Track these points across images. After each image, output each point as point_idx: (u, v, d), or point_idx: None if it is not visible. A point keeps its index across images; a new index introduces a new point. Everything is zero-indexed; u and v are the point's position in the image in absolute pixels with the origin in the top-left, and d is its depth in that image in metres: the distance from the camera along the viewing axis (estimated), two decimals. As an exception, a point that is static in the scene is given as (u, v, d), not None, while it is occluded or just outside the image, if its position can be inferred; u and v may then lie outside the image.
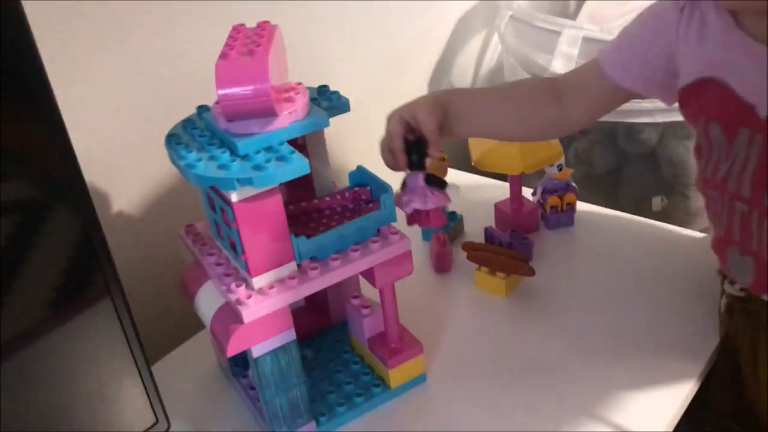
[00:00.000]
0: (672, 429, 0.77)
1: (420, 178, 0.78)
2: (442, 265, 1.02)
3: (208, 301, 0.75)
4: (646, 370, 0.81)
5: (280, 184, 0.68)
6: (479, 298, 0.97)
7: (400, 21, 1.27)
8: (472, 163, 1.04)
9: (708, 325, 0.85)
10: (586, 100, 0.82)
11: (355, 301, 0.83)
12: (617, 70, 0.78)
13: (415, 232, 1.06)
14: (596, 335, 0.87)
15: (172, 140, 0.73)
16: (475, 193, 1.18)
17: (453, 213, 1.10)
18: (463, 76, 1.46)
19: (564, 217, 1.08)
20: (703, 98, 0.72)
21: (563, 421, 0.77)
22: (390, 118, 0.79)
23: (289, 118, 0.69)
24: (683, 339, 0.85)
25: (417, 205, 0.78)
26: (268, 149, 0.67)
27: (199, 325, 0.92)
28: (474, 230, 1.08)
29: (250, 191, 0.66)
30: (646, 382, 0.80)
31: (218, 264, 0.75)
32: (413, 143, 0.77)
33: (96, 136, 0.90)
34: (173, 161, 0.71)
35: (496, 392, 0.81)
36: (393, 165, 0.79)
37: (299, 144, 0.77)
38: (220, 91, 0.64)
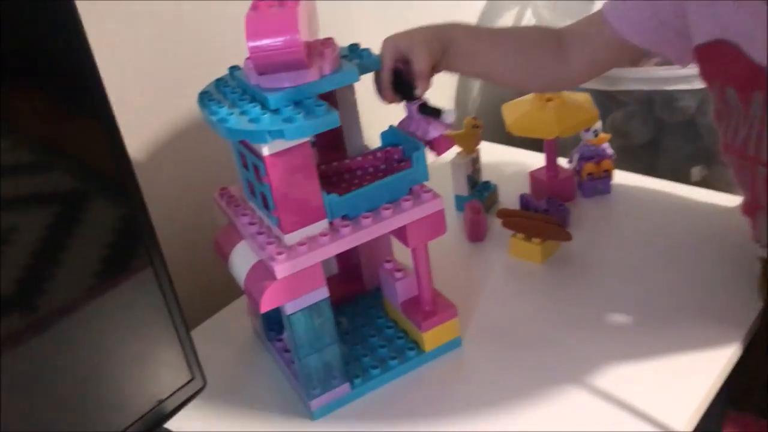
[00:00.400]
0: (713, 396, 0.74)
1: (413, 109, 0.77)
2: (476, 233, 1.00)
3: (241, 260, 0.74)
4: (685, 338, 0.78)
5: (313, 144, 0.67)
6: (514, 266, 0.95)
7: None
8: (506, 128, 1.01)
9: (749, 292, 0.81)
10: (590, 53, 0.79)
11: (388, 265, 0.82)
12: (624, 24, 0.75)
13: (449, 203, 1.06)
14: (634, 303, 0.85)
15: (205, 97, 0.72)
16: (509, 163, 1.15)
17: (487, 183, 1.08)
18: None
19: (601, 184, 1.04)
20: (716, 61, 0.69)
21: (600, 389, 0.74)
22: (385, 47, 0.76)
23: (320, 72, 0.67)
24: (723, 306, 0.81)
25: (415, 131, 0.77)
26: (299, 103, 0.66)
27: (235, 293, 0.92)
28: (509, 200, 1.06)
29: (281, 144, 0.65)
30: (686, 348, 0.77)
31: (251, 224, 0.74)
32: (402, 77, 0.76)
33: (132, 107, 0.89)
34: (206, 118, 0.70)
35: (531, 359, 0.79)
36: (381, 96, 0.78)
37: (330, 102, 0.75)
38: (251, 43, 0.63)
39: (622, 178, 1.07)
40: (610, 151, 1.05)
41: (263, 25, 0.63)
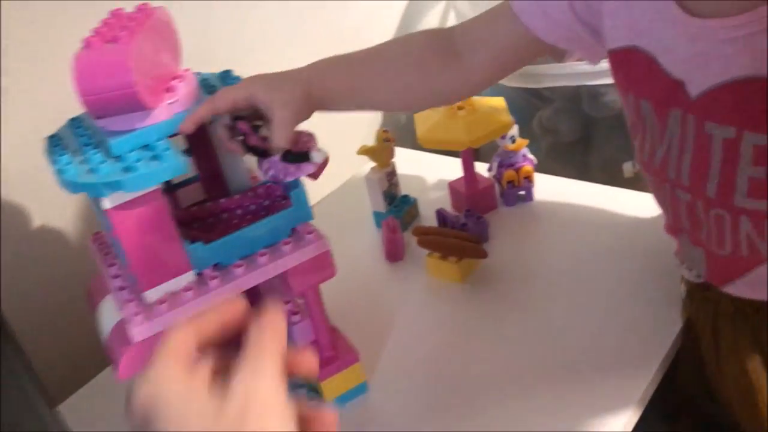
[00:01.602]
0: (641, 409, 0.66)
1: (275, 159, 0.63)
2: (393, 253, 0.91)
3: (106, 316, 0.64)
4: (609, 355, 0.71)
5: (175, 187, 0.58)
6: (434, 286, 0.86)
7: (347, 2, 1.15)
8: (418, 141, 0.93)
9: (673, 307, 0.73)
10: (494, 53, 0.67)
11: (286, 307, 0.72)
12: (537, 20, 0.63)
13: (368, 220, 0.98)
14: (558, 320, 0.77)
15: (51, 143, 0.62)
16: (429, 172, 1.07)
17: (406, 196, 0.99)
18: None
19: (522, 192, 0.96)
20: (631, 71, 0.60)
21: (528, 417, 0.66)
22: (221, 99, 0.61)
23: (170, 110, 0.58)
24: (647, 321, 0.73)
25: (275, 174, 0.63)
26: (145, 147, 0.57)
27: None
28: (430, 212, 0.96)
29: (125, 196, 0.56)
30: (610, 366, 0.69)
31: (116, 276, 0.64)
32: (248, 138, 0.62)
33: None
34: (50, 164, 0.60)
35: (446, 397, 0.70)
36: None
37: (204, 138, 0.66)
38: (78, 86, 0.54)
39: (545, 183, 0.98)
40: (530, 156, 0.96)
41: (93, 64, 0.54)
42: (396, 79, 0.68)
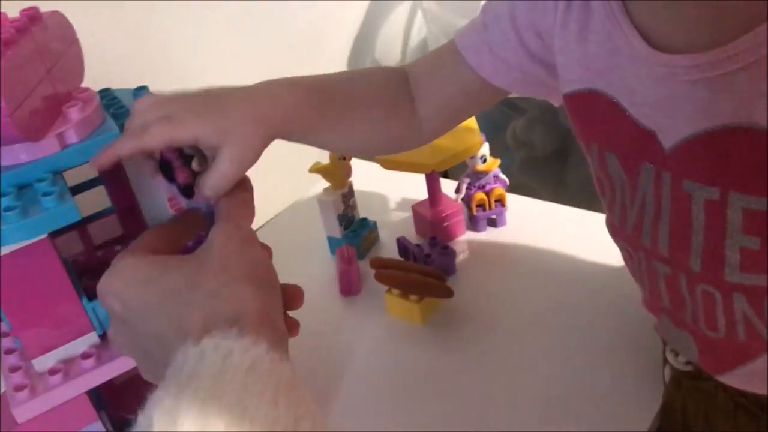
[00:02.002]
0: None
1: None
2: (348, 286, 0.81)
3: (-6, 384, 0.53)
4: (579, 416, 0.61)
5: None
6: (392, 326, 0.76)
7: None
8: (379, 162, 0.83)
9: (652, 363, 0.63)
10: (444, 100, 0.59)
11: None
12: (485, 62, 0.55)
13: (322, 246, 0.88)
14: (527, 371, 0.67)
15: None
16: (391, 192, 0.97)
17: (364, 219, 0.89)
18: (389, 53, 1.24)
19: (494, 216, 0.87)
20: (591, 117, 0.50)
21: None
22: (149, 138, 0.46)
23: (61, 141, 0.46)
24: (628, 383, 0.63)
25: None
26: (26, 188, 0.45)
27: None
28: (391, 239, 0.86)
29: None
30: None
31: (6, 335, 0.53)
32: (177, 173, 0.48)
33: None
34: None
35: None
36: None
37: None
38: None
39: (519, 206, 0.89)
40: (502, 177, 0.87)
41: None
42: (354, 126, 0.57)
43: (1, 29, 0.45)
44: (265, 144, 0.49)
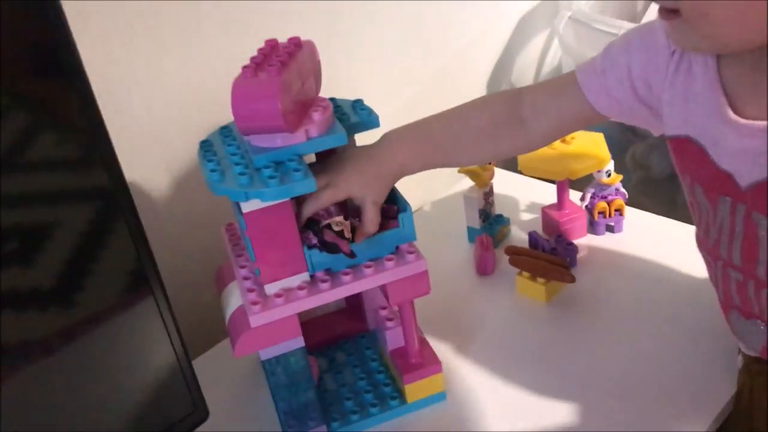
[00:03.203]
0: None
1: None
2: (484, 267, 0.95)
3: (229, 299, 0.71)
4: (664, 393, 0.72)
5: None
6: (519, 303, 0.89)
7: (456, 22, 1.17)
8: (518, 168, 0.96)
9: (730, 367, 0.74)
10: (557, 122, 0.70)
11: (383, 312, 0.77)
12: (601, 98, 0.66)
13: (462, 234, 1.01)
14: (626, 354, 0.78)
15: (203, 147, 0.69)
16: (523, 195, 1.09)
17: (500, 216, 1.02)
18: (523, 77, 1.34)
19: (612, 223, 0.98)
20: (685, 157, 0.61)
21: None
22: (322, 200, 0.66)
23: (306, 134, 0.63)
24: (706, 375, 0.74)
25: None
26: (281, 164, 0.63)
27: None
28: (521, 233, 1.00)
29: (260, 204, 0.62)
30: (664, 406, 0.71)
31: (242, 266, 0.71)
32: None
33: (140, 141, 0.85)
34: (200, 166, 0.67)
35: (521, 411, 0.74)
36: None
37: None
38: (233, 109, 0.60)
39: (634, 217, 0.99)
40: (622, 190, 0.98)
41: (246, 92, 0.60)
42: (473, 150, 0.74)
43: (278, 53, 0.63)
44: (392, 185, 0.69)
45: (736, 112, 0.56)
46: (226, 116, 0.65)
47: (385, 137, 0.72)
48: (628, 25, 1.09)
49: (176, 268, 0.85)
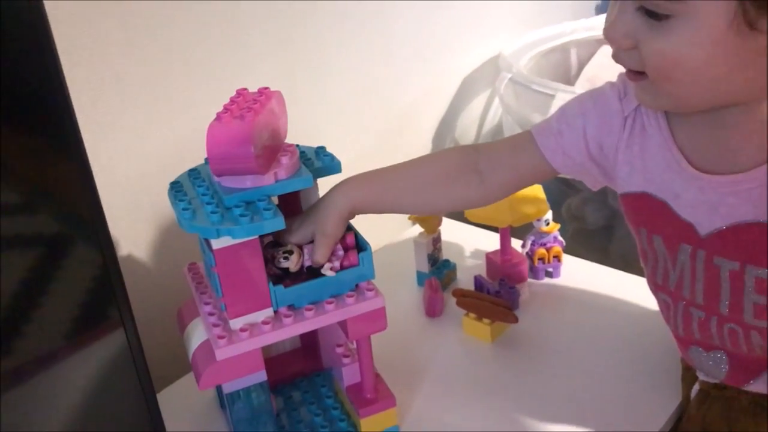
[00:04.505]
0: None
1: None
2: (433, 309, 0.98)
3: (193, 335, 0.73)
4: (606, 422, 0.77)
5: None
6: (466, 342, 0.93)
7: (406, 80, 1.24)
8: (464, 216, 1.01)
9: (671, 392, 0.79)
10: (513, 176, 0.74)
11: (339, 350, 0.79)
12: (557, 156, 0.70)
13: (411, 277, 1.05)
14: (567, 387, 0.83)
15: (174, 187, 0.71)
16: (469, 242, 1.14)
17: (447, 261, 1.06)
18: (466, 133, 1.41)
19: (551, 269, 1.03)
20: (643, 211, 0.66)
21: None
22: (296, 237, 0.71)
23: (275, 177, 0.66)
24: (645, 404, 0.79)
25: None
26: (251, 204, 0.65)
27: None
28: (466, 277, 1.04)
29: (229, 241, 0.64)
30: None
31: (207, 303, 0.73)
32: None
33: (117, 179, 0.88)
34: (172, 206, 0.69)
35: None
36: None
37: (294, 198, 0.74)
38: (209, 152, 0.63)
39: (571, 264, 1.05)
40: (560, 239, 1.04)
41: (221, 136, 0.63)
42: (426, 196, 0.76)
43: (250, 101, 0.66)
44: (345, 220, 0.72)
45: (692, 166, 0.60)
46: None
47: (344, 180, 0.75)
48: (564, 87, 1.17)
49: (145, 300, 0.86)
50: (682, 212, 0.62)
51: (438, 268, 1.05)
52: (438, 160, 0.78)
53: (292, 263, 0.69)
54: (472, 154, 0.75)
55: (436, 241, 1.05)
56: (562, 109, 0.71)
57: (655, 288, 0.70)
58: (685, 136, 0.62)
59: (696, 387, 0.75)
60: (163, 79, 0.89)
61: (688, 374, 0.76)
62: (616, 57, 0.58)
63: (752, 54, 0.52)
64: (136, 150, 0.89)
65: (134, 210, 0.91)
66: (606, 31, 0.57)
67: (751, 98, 0.56)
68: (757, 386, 0.68)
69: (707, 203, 0.60)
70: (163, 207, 0.92)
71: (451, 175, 0.75)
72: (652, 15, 0.53)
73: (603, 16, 0.59)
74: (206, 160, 0.74)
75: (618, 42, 0.57)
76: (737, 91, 0.55)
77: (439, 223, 1.04)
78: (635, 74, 0.58)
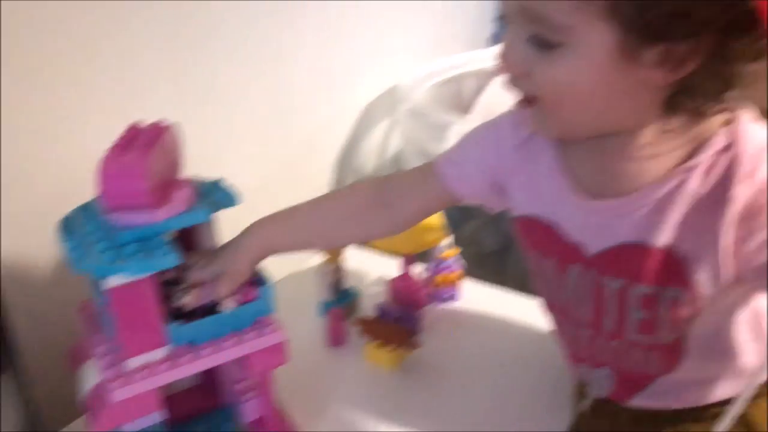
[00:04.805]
0: None
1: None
2: (336, 338, 0.99)
3: (88, 376, 0.70)
4: None
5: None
6: (370, 371, 0.93)
7: (307, 110, 1.24)
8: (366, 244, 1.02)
9: (564, 407, 0.82)
10: (421, 206, 0.77)
11: (239, 386, 0.78)
12: (459, 185, 0.73)
13: (314, 307, 1.04)
14: (468, 407, 0.85)
15: (64, 225, 0.69)
16: (372, 269, 1.15)
17: (350, 289, 1.06)
18: (367, 162, 1.43)
19: (451, 293, 1.06)
20: (534, 234, 0.69)
21: None
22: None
23: (169, 212, 0.65)
24: (541, 425, 0.82)
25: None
26: (144, 240, 0.64)
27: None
28: (370, 305, 1.05)
29: (122, 279, 0.62)
30: None
31: (100, 343, 0.70)
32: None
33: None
34: (61, 244, 0.67)
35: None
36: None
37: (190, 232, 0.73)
38: (101, 186, 0.61)
39: (470, 287, 1.09)
40: (458, 263, 1.07)
41: (114, 171, 0.61)
42: (338, 233, 0.79)
43: (143, 135, 0.65)
44: (256, 263, 0.73)
45: (578, 191, 0.64)
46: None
47: (253, 223, 0.76)
48: (458, 118, 1.21)
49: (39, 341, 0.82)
50: (570, 234, 0.65)
51: (342, 297, 1.05)
52: (348, 197, 0.80)
53: (189, 301, 0.68)
54: (380, 187, 0.78)
55: (339, 269, 1.05)
56: (461, 140, 0.75)
57: (547, 308, 0.73)
58: (573, 163, 0.65)
59: (585, 403, 0.78)
60: (52, 110, 0.86)
61: (579, 391, 0.80)
62: (511, 84, 0.61)
63: (634, 84, 0.55)
64: (20, 187, 0.85)
65: (24, 248, 0.86)
66: (501, 58, 0.59)
67: (634, 126, 0.59)
68: (640, 401, 0.71)
69: (593, 226, 0.63)
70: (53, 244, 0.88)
71: (361, 211, 0.77)
72: (542, 44, 0.55)
73: (496, 48, 0.60)
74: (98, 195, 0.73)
75: (511, 69, 0.59)
76: (622, 119, 0.59)
77: (342, 251, 1.05)
78: (528, 102, 0.60)
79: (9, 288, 0.57)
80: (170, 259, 0.62)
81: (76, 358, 0.74)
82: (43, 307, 0.88)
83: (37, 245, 0.87)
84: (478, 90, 1.46)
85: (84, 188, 0.72)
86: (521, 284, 1.12)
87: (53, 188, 0.86)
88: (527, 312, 1.00)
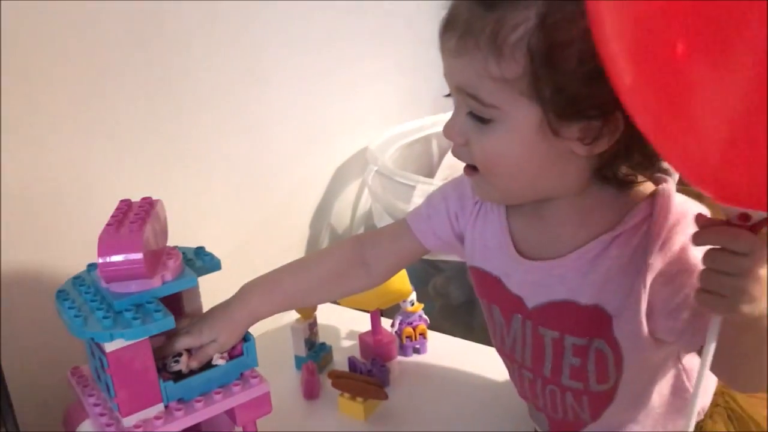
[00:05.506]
0: None
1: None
2: (310, 391, 1.04)
3: (85, 437, 0.75)
4: None
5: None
6: (342, 421, 0.99)
7: (281, 173, 1.32)
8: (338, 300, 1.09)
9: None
10: (396, 261, 0.84)
11: (225, 435, 0.84)
12: (430, 238, 0.80)
13: (289, 361, 1.10)
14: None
15: (60, 296, 0.75)
16: (343, 324, 1.21)
17: (323, 343, 1.13)
18: (340, 220, 1.51)
19: (418, 345, 1.12)
20: (484, 284, 0.76)
21: None
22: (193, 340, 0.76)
23: (162, 279, 0.72)
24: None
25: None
26: (140, 306, 0.70)
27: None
28: (341, 358, 1.11)
29: (121, 343, 0.69)
30: None
31: (96, 404, 0.75)
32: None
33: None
34: (60, 315, 0.73)
35: None
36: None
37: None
38: (100, 260, 0.68)
39: (436, 339, 1.15)
40: (424, 317, 1.13)
41: (112, 245, 0.68)
42: (320, 293, 0.87)
43: (135, 210, 0.72)
44: (243, 331, 0.79)
45: (520, 250, 0.71)
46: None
47: (240, 289, 0.82)
48: (424, 179, 1.29)
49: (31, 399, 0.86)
50: (512, 288, 0.72)
51: (315, 352, 1.10)
52: (328, 259, 0.87)
53: (182, 365, 0.74)
54: (357, 247, 0.85)
55: (313, 325, 1.11)
56: (430, 197, 0.83)
57: (498, 351, 0.80)
58: (517, 224, 0.72)
59: None
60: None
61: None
62: (454, 152, 0.67)
63: (561, 155, 0.61)
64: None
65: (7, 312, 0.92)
66: (444, 129, 0.66)
67: (565, 193, 0.66)
68: None
69: (531, 283, 0.70)
70: (40, 309, 0.93)
71: (342, 272, 0.84)
72: (478, 118, 0.62)
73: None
74: (89, 267, 0.79)
75: (453, 139, 0.66)
76: (554, 186, 0.65)
77: (315, 308, 1.11)
78: (471, 170, 0.67)
79: (4, 347, 0.62)
80: (167, 322, 0.69)
81: (72, 420, 0.79)
82: (35, 368, 0.93)
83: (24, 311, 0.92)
84: (444, 150, 1.54)
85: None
86: (487, 335, 1.19)
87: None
88: (491, 362, 1.03)
